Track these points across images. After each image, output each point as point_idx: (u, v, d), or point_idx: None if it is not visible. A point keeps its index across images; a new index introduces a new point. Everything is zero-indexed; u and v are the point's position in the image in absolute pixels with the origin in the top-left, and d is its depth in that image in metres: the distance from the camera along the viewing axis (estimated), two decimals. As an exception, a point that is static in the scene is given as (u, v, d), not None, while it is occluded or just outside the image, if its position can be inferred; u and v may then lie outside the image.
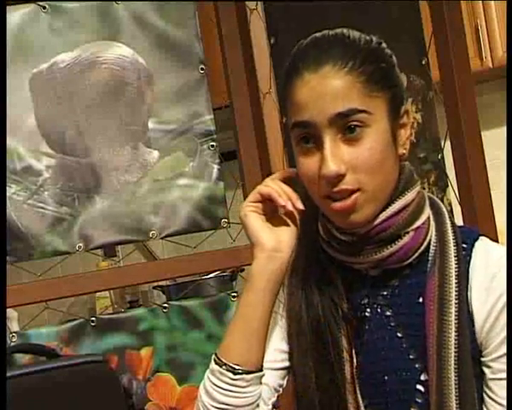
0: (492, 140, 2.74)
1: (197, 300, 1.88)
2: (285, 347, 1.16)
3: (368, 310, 1.12)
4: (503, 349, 1.06)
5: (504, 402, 1.06)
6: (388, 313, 1.11)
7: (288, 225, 1.14)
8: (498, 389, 1.07)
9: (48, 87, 1.80)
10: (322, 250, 1.13)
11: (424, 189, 1.64)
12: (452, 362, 1.05)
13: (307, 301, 1.13)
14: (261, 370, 1.13)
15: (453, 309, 1.06)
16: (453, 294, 1.07)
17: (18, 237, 1.78)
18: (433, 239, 1.11)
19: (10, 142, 1.77)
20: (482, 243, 1.11)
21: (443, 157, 1.73)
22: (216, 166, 1.87)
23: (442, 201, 1.68)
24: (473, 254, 1.10)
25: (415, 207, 1.10)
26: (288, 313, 1.15)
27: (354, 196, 1.04)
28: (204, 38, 1.88)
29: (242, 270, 2.30)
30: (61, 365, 1.59)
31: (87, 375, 1.59)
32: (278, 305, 1.17)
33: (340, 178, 1.03)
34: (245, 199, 1.16)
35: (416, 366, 1.08)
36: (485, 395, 1.09)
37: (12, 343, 1.75)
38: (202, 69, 1.87)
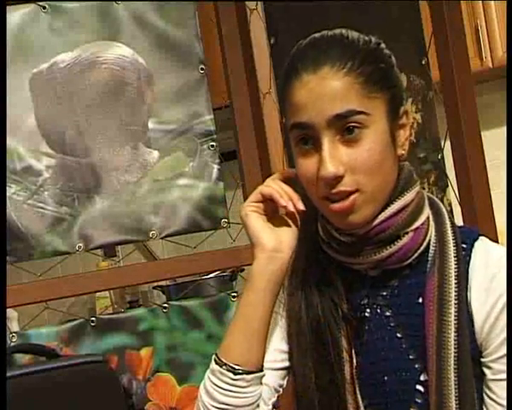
0: (492, 140, 2.75)
1: (197, 300, 1.88)
2: (285, 347, 1.16)
3: (367, 310, 1.12)
4: (504, 350, 1.06)
5: (505, 403, 1.06)
6: (388, 314, 1.11)
7: (288, 225, 1.14)
8: (499, 390, 1.07)
9: (48, 87, 1.80)
10: (322, 251, 1.13)
11: (424, 189, 1.64)
12: (452, 362, 1.05)
13: (307, 302, 1.13)
14: (261, 370, 1.13)
15: (453, 309, 1.06)
16: (453, 294, 1.07)
17: (18, 237, 1.78)
18: (433, 239, 1.11)
19: (10, 142, 1.77)
20: (482, 244, 1.11)
21: (443, 157, 1.73)
22: (216, 166, 1.87)
23: (442, 201, 1.69)
24: (472, 255, 1.09)
25: (414, 207, 1.10)
26: (287, 314, 1.15)
27: (353, 197, 1.04)
28: (204, 38, 1.88)
29: (242, 270, 2.30)
30: (61, 365, 1.59)
31: (87, 375, 1.59)
32: (278, 305, 1.17)
33: (338, 179, 1.03)
34: (245, 199, 1.16)
35: (416, 366, 1.08)
36: (485, 396, 1.09)
37: (12, 343, 1.75)
38: (202, 69, 1.87)
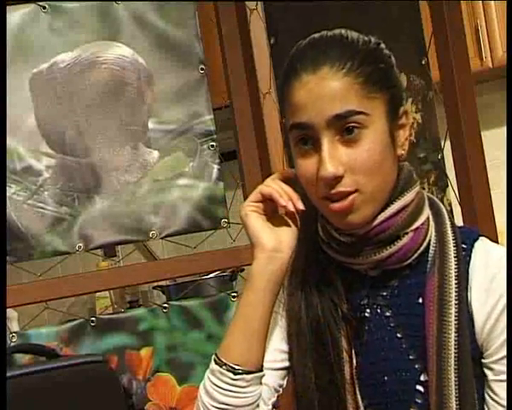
0: (492, 140, 2.75)
1: (197, 300, 1.88)
2: (285, 347, 1.16)
3: (367, 310, 1.12)
4: (505, 351, 1.06)
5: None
6: (388, 314, 1.11)
7: (288, 225, 1.14)
8: (500, 391, 1.07)
9: (48, 87, 1.80)
10: (322, 251, 1.13)
11: (424, 189, 1.64)
12: (452, 363, 1.05)
13: (307, 302, 1.13)
14: (261, 370, 1.13)
15: (453, 310, 1.06)
16: (453, 294, 1.07)
17: (18, 237, 1.78)
18: (433, 240, 1.11)
19: (10, 142, 1.77)
20: (482, 244, 1.11)
21: (443, 157, 1.73)
22: (216, 166, 1.87)
23: (442, 201, 1.69)
24: (472, 255, 1.09)
25: (414, 207, 1.10)
26: (287, 314, 1.15)
27: (352, 197, 1.04)
28: (204, 38, 1.88)
29: (242, 270, 2.30)
30: (61, 365, 1.59)
31: (87, 375, 1.59)
32: (278, 305, 1.16)
33: (337, 179, 1.03)
34: (245, 199, 1.16)
35: (416, 366, 1.08)
36: (487, 397, 1.09)
37: (12, 343, 1.75)
38: (202, 69, 1.87)
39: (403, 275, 1.11)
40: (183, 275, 2.05)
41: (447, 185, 1.73)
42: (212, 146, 1.87)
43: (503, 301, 1.06)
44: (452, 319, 1.06)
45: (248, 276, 1.13)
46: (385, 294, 1.11)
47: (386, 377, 1.09)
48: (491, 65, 2.95)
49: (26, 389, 1.53)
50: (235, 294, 1.86)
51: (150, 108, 1.85)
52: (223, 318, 1.84)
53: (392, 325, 1.10)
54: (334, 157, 1.03)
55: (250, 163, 1.89)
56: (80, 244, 1.81)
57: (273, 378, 1.16)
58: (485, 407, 1.09)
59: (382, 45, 1.09)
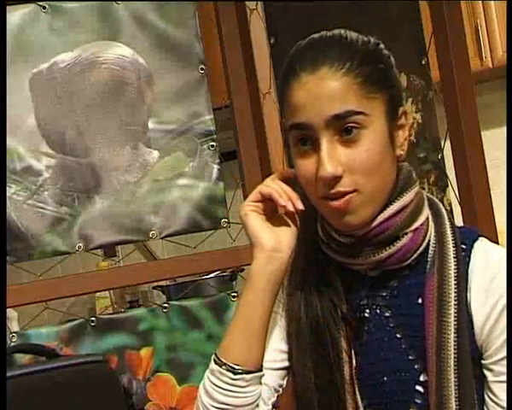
0: (492, 140, 2.75)
1: (197, 300, 1.88)
2: (285, 347, 1.16)
3: (367, 311, 1.12)
4: (505, 352, 1.06)
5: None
6: (387, 314, 1.11)
7: (288, 225, 1.14)
8: (500, 392, 1.07)
9: (48, 87, 1.80)
10: (322, 251, 1.13)
11: (424, 189, 1.64)
12: (452, 363, 1.05)
13: (306, 302, 1.13)
14: (261, 370, 1.13)
15: (452, 310, 1.06)
16: (452, 295, 1.07)
17: (18, 237, 1.78)
18: (433, 240, 1.11)
19: (10, 142, 1.77)
20: (481, 244, 1.11)
21: (443, 157, 1.73)
22: (216, 166, 1.87)
23: (442, 201, 1.69)
24: (472, 255, 1.09)
25: (413, 208, 1.10)
26: (287, 314, 1.15)
27: (349, 196, 1.04)
28: (204, 38, 1.88)
29: (242, 270, 2.30)
30: (61, 365, 1.58)
31: (87, 375, 1.59)
32: (278, 305, 1.16)
33: (336, 179, 1.03)
34: (245, 199, 1.16)
35: (416, 366, 1.08)
36: (487, 398, 1.09)
37: (12, 343, 1.75)
38: (202, 69, 1.87)
39: (402, 275, 1.11)
40: (183, 275, 2.05)
41: (447, 185, 1.73)
42: (212, 146, 1.87)
43: (503, 301, 1.06)
44: (452, 319, 1.06)
45: (248, 276, 1.14)
46: (384, 294, 1.11)
47: (385, 378, 1.09)
48: (491, 65, 2.95)
49: (26, 389, 1.53)
50: (235, 294, 1.86)
51: (150, 108, 1.85)
52: (223, 318, 1.84)
53: (391, 325, 1.10)
54: (333, 157, 1.03)
55: (250, 163, 1.89)
56: (80, 244, 1.81)
57: (273, 378, 1.16)
58: (485, 408, 1.09)
59: (382, 45, 1.09)
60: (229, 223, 1.86)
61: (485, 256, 1.09)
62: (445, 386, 1.05)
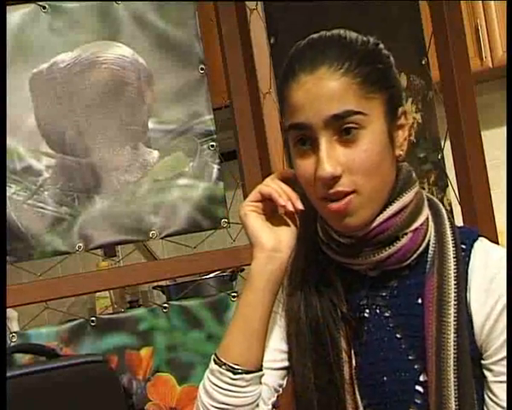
0: (492, 140, 2.75)
1: (197, 300, 1.88)
2: (284, 347, 1.16)
3: (367, 311, 1.12)
4: (504, 352, 1.06)
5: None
6: (387, 314, 1.11)
7: (287, 224, 1.14)
8: (500, 392, 1.06)
9: (48, 87, 1.80)
10: (322, 252, 1.13)
11: (424, 189, 1.64)
12: (451, 363, 1.05)
13: (306, 302, 1.13)
14: (261, 370, 1.13)
15: (452, 310, 1.06)
16: (452, 295, 1.07)
17: (18, 237, 1.78)
18: (432, 240, 1.11)
19: (10, 142, 1.78)
20: (481, 244, 1.11)
21: (443, 157, 1.73)
22: (216, 166, 1.87)
23: (442, 201, 1.69)
24: (472, 255, 1.09)
25: (413, 208, 1.09)
26: (287, 314, 1.15)
27: (348, 198, 1.04)
28: (204, 38, 1.88)
29: (242, 270, 2.30)
30: (61, 365, 1.58)
31: (87, 375, 1.59)
32: (278, 305, 1.17)
33: (335, 179, 1.03)
34: (245, 199, 1.16)
35: (415, 366, 1.08)
36: (487, 398, 1.09)
37: (12, 343, 1.75)
38: (202, 69, 1.87)
39: (402, 275, 1.11)
40: (183, 275, 2.05)
41: (447, 185, 1.73)
42: (212, 146, 1.87)
43: (503, 301, 1.06)
44: (451, 319, 1.06)
45: (248, 276, 1.14)
46: (384, 294, 1.11)
47: (385, 378, 1.09)
48: (491, 65, 2.95)
49: (26, 389, 1.53)
50: (235, 294, 1.86)
51: (150, 108, 1.85)
52: (223, 318, 1.84)
53: (391, 325, 1.10)
54: (331, 157, 1.03)
55: (250, 163, 1.89)
56: (80, 244, 1.81)
57: (273, 378, 1.16)
58: (485, 408, 1.09)
59: (381, 45, 1.09)
60: (229, 223, 1.86)
61: (485, 256, 1.09)
62: (444, 386, 1.05)
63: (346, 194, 1.04)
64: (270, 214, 1.14)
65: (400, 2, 1.74)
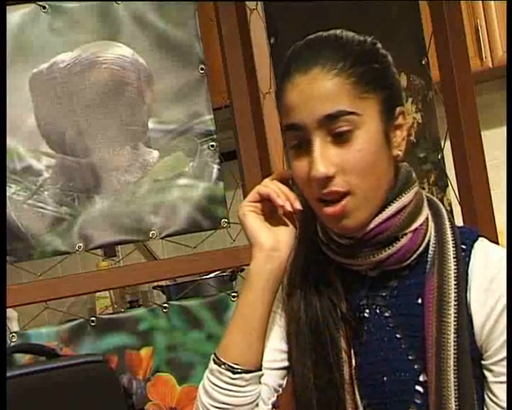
0: (492, 140, 2.75)
1: (197, 300, 1.88)
2: (284, 347, 1.16)
3: (367, 311, 1.12)
4: (505, 352, 1.06)
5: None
6: (387, 314, 1.11)
7: (286, 224, 1.14)
8: (500, 393, 1.06)
9: (48, 87, 1.80)
10: (322, 252, 1.13)
11: (424, 189, 1.64)
12: (451, 363, 1.05)
13: (306, 302, 1.13)
14: (260, 369, 1.13)
15: (452, 310, 1.06)
16: (452, 295, 1.06)
17: (18, 237, 1.78)
18: (432, 240, 1.10)
19: (10, 142, 1.78)
20: (481, 245, 1.11)
21: (443, 157, 1.73)
22: (216, 166, 1.87)
23: (442, 201, 1.69)
24: (472, 256, 1.09)
25: (412, 208, 1.09)
26: (286, 313, 1.15)
27: (344, 201, 1.04)
28: (204, 38, 1.88)
29: (242, 270, 2.30)
30: (61, 365, 1.59)
31: (87, 375, 1.59)
32: (277, 305, 1.17)
33: (329, 179, 1.03)
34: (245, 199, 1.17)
35: (415, 366, 1.08)
36: (487, 398, 1.09)
37: (12, 343, 1.75)
38: (202, 69, 1.87)
39: (402, 275, 1.11)
40: (183, 275, 2.05)
41: (447, 185, 1.73)
42: (212, 146, 1.87)
43: (503, 302, 1.06)
44: (451, 319, 1.06)
45: (247, 275, 1.14)
46: (384, 294, 1.11)
47: (385, 378, 1.09)
48: (491, 65, 2.94)
49: (26, 389, 1.53)
50: (235, 294, 1.86)
51: (150, 108, 1.85)
52: (223, 318, 1.84)
53: (391, 325, 1.10)
54: (325, 158, 1.03)
55: (250, 163, 1.89)
56: (80, 244, 1.81)
57: (273, 378, 1.16)
58: (485, 408, 1.09)
59: (379, 45, 1.09)
60: (229, 223, 1.86)
61: (485, 256, 1.09)
62: (444, 386, 1.05)
63: (341, 194, 1.04)
64: (268, 215, 1.15)
65: (400, 2, 1.74)
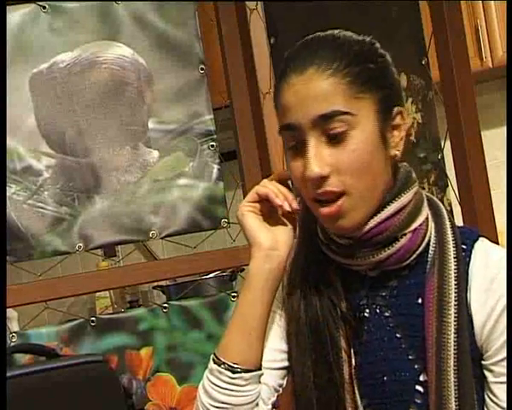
0: (492, 140, 2.75)
1: (197, 300, 1.88)
2: (284, 346, 1.16)
3: (367, 311, 1.12)
4: (505, 353, 1.06)
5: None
6: (387, 314, 1.11)
7: (285, 224, 1.14)
8: (500, 393, 1.06)
9: (48, 87, 1.80)
10: (322, 252, 1.13)
11: (424, 189, 1.64)
12: (452, 363, 1.05)
13: (306, 302, 1.13)
14: (260, 369, 1.13)
15: (452, 310, 1.06)
16: (452, 295, 1.06)
17: (18, 237, 1.78)
18: (433, 240, 1.10)
19: (10, 142, 1.78)
20: (482, 245, 1.11)
21: (443, 157, 1.73)
22: (216, 166, 1.87)
23: (442, 201, 1.69)
24: (472, 256, 1.09)
25: (412, 208, 1.09)
26: (286, 313, 1.15)
27: (340, 202, 1.04)
28: (204, 38, 1.89)
29: (242, 270, 2.30)
30: (60, 365, 1.59)
31: (87, 375, 1.59)
32: (277, 304, 1.17)
33: (324, 179, 1.03)
34: (245, 199, 1.17)
35: (416, 366, 1.08)
36: (487, 398, 1.09)
37: (12, 343, 1.75)
38: (202, 69, 1.87)
39: (402, 275, 1.11)
40: (183, 275, 2.05)
41: (447, 185, 1.73)
42: (212, 146, 1.87)
43: (503, 302, 1.06)
44: (452, 319, 1.06)
45: (246, 275, 1.14)
46: (384, 294, 1.11)
47: (385, 377, 1.09)
48: (491, 65, 2.94)
49: (26, 389, 1.53)
50: (234, 294, 1.86)
51: (150, 108, 1.85)
52: (223, 318, 1.84)
53: (391, 325, 1.10)
54: (319, 158, 1.03)
55: (250, 163, 1.89)
56: (80, 244, 1.81)
57: (273, 378, 1.16)
58: (485, 408, 1.09)
59: (377, 45, 1.08)
60: (229, 223, 1.86)
61: (486, 256, 1.09)
62: (444, 386, 1.05)
63: (336, 195, 1.04)
64: (267, 215, 1.15)
65: (400, 2, 1.74)
